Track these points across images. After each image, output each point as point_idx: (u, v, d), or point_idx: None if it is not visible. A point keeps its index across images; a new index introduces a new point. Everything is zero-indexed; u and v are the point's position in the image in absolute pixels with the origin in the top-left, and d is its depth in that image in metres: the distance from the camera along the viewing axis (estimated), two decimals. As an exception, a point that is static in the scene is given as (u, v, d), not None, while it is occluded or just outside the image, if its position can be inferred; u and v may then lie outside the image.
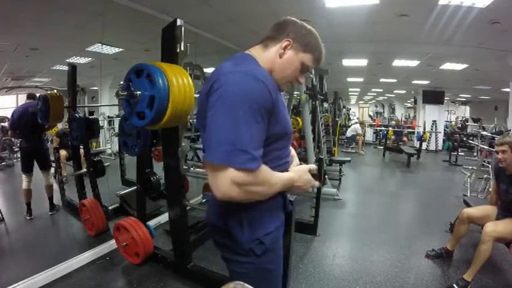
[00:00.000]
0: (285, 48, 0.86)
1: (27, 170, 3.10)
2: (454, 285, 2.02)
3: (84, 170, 3.05)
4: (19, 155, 3.37)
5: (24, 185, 3.08)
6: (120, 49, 4.27)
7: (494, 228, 2.01)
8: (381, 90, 12.43)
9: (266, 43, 0.89)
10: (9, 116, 5.10)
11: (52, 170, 3.44)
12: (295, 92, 4.79)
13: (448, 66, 5.98)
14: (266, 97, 0.74)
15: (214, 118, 0.72)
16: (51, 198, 3.28)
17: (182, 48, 1.81)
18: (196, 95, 1.95)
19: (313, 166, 0.95)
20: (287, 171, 0.91)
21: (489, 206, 2.40)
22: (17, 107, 3.25)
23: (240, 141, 0.69)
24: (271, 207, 0.88)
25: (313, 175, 0.93)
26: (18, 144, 3.40)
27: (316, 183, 0.94)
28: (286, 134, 0.88)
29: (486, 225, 2.06)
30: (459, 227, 2.39)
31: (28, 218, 3.09)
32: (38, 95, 3.13)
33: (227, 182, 0.70)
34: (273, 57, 0.87)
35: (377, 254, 2.55)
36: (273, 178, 0.80)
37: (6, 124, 5.24)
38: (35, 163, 3.18)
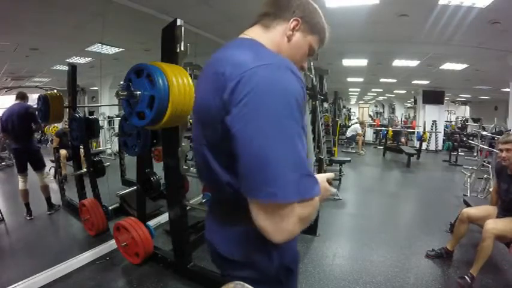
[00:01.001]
0: (293, 29, 0.70)
1: (21, 170, 3.11)
2: (466, 276, 2.03)
3: (84, 170, 3.05)
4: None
5: (20, 185, 3.08)
6: (120, 49, 4.27)
7: (495, 225, 2.03)
8: (381, 90, 12.42)
9: (265, 22, 0.71)
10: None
11: (47, 170, 3.43)
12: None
13: (448, 66, 5.98)
14: (302, 95, 0.57)
15: (260, 138, 0.51)
16: (48, 199, 3.28)
17: (182, 48, 1.81)
18: (196, 95, 1.96)
19: (331, 175, 0.82)
20: None
21: (489, 206, 2.41)
22: (6, 109, 3.22)
23: (302, 163, 0.53)
24: None
25: (329, 183, 0.86)
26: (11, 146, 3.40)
27: (334, 191, 0.84)
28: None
29: (487, 222, 2.07)
30: (459, 226, 2.39)
31: (28, 218, 3.09)
32: (38, 95, 3.12)
33: (295, 219, 0.54)
34: (279, 40, 0.70)
35: (377, 254, 2.55)
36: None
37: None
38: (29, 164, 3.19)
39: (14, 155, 3.22)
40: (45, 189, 3.26)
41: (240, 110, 0.53)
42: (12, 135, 3.15)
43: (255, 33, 0.71)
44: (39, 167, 3.25)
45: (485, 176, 4.35)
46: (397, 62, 5.99)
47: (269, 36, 0.70)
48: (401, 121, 13.34)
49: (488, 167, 4.72)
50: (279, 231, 0.54)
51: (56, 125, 4.29)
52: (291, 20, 0.69)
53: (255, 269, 0.70)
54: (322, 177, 0.77)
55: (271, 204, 0.52)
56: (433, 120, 9.62)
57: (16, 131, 3.09)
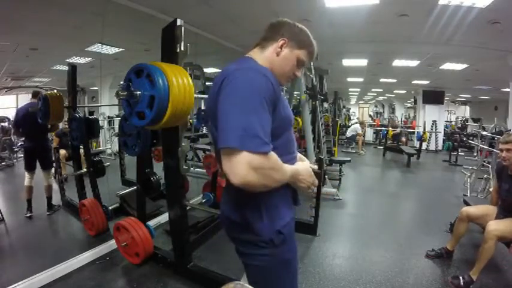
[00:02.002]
0: (281, 46, 0.93)
1: (30, 168, 3.15)
2: (461, 277, 2.03)
3: (84, 170, 3.05)
4: (20, 155, 3.39)
5: (27, 181, 3.12)
6: (120, 49, 4.27)
7: (497, 227, 2.02)
8: (381, 90, 12.42)
9: (263, 45, 0.96)
10: (9, 116, 5.12)
11: (53, 169, 3.44)
12: (295, 92, 4.78)
13: (448, 66, 5.99)
14: (269, 88, 0.80)
15: (226, 109, 0.77)
16: (49, 198, 3.29)
17: (182, 48, 1.81)
18: (196, 95, 1.96)
19: (314, 166, 1.00)
20: None
21: (489, 206, 2.41)
22: (22, 106, 3.26)
23: (251, 128, 0.73)
24: (284, 197, 0.93)
25: (315, 173, 0.98)
26: (21, 144, 3.43)
27: (316, 182, 0.99)
28: (291, 122, 0.96)
29: (489, 223, 2.06)
30: (459, 225, 2.40)
31: (27, 214, 3.10)
32: (37, 91, 3.13)
33: (244, 165, 0.72)
34: (270, 56, 0.94)
35: (377, 254, 2.55)
36: (283, 165, 0.84)
37: (6, 124, 5.24)
38: (38, 162, 3.20)
39: (25, 152, 3.23)
40: (49, 188, 3.28)
41: (222, 95, 0.79)
42: (27, 132, 3.18)
43: (254, 52, 0.97)
44: (47, 165, 3.27)
45: (485, 176, 4.35)
46: (397, 62, 5.99)
47: (263, 54, 0.95)
48: (401, 121, 13.33)
49: (488, 167, 4.72)
50: (232, 173, 0.74)
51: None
52: (280, 40, 0.93)
53: (252, 231, 0.88)
54: (307, 165, 0.98)
55: (226, 151, 0.74)
56: (433, 120, 9.62)
57: (32, 129, 3.11)
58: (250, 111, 0.75)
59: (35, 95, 3.24)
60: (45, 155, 3.25)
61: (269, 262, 0.89)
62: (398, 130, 9.66)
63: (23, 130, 3.20)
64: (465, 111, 15.73)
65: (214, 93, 0.83)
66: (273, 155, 0.79)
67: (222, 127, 0.76)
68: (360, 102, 20.42)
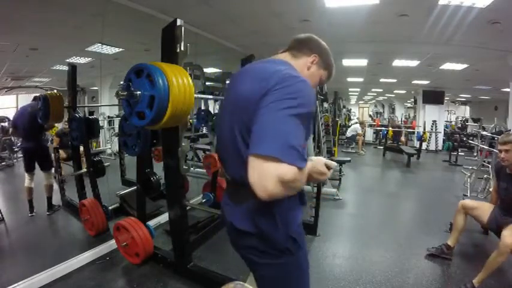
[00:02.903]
0: (312, 62, 0.96)
1: (29, 169, 3.15)
2: (462, 286, 2.01)
3: (84, 170, 3.05)
4: (20, 155, 3.41)
5: (27, 182, 3.13)
6: (120, 49, 4.28)
7: None
8: (381, 90, 12.42)
9: (294, 53, 0.97)
10: (9, 116, 5.12)
11: (52, 170, 3.44)
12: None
13: (448, 66, 5.98)
14: (315, 102, 0.82)
15: (274, 115, 0.72)
16: (49, 198, 3.28)
17: (182, 48, 1.81)
18: (196, 95, 1.96)
19: (332, 162, 0.94)
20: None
21: (486, 202, 2.46)
22: (23, 105, 3.29)
23: (296, 140, 0.69)
24: (294, 198, 0.90)
25: (328, 168, 0.93)
26: (19, 144, 3.44)
27: (329, 175, 0.94)
28: (310, 131, 1.01)
29: (504, 235, 1.95)
30: (456, 218, 2.44)
31: (30, 214, 3.12)
32: (38, 95, 3.14)
33: (276, 179, 0.66)
34: (301, 67, 0.95)
35: (377, 254, 2.55)
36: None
37: (6, 124, 5.25)
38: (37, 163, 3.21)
39: (23, 153, 3.25)
40: (49, 188, 3.27)
41: (273, 97, 0.74)
42: (22, 133, 3.19)
43: (286, 57, 0.96)
44: (46, 167, 3.27)
45: (485, 176, 4.35)
46: (397, 62, 5.99)
47: (296, 63, 0.95)
48: (401, 121, 13.32)
49: (488, 167, 4.72)
50: (262, 185, 0.67)
51: (56, 125, 4.30)
52: (311, 55, 0.96)
53: (265, 240, 0.84)
54: (320, 160, 0.93)
55: (260, 158, 0.67)
56: (433, 120, 9.62)
57: (27, 130, 3.12)
58: (298, 122, 0.71)
59: (35, 98, 3.27)
60: (43, 156, 3.24)
61: (286, 272, 0.87)
62: (402, 128, 9.62)
63: (18, 130, 3.22)
64: (465, 111, 15.74)
65: (257, 91, 0.77)
66: (305, 168, 0.75)
67: (263, 132, 0.70)
68: (360, 102, 20.42)
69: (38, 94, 3.33)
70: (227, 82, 1.07)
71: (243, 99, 0.81)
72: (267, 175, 0.66)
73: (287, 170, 0.66)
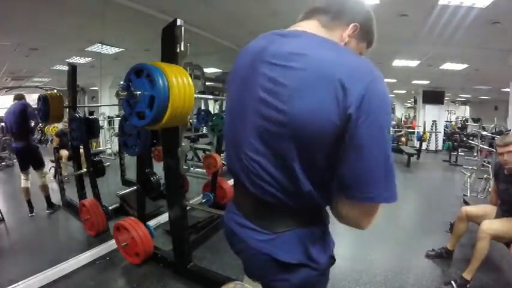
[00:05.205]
0: (352, 33, 0.68)
1: (23, 168, 3.16)
2: (452, 281, 2.02)
3: (84, 170, 3.05)
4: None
5: (23, 183, 3.13)
6: (120, 49, 4.27)
7: (490, 226, 2.01)
8: (381, 90, 12.39)
9: (323, 21, 0.68)
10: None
11: (46, 170, 3.45)
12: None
13: (448, 66, 5.98)
14: None
15: (377, 151, 0.58)
16: (47, 197, 3.29)
17: (182, 48, 1.81)
18: (196, 95, 1.96)
19: None
20: None
21: (488, 205, 2.40)
22: (7, 109, 3.31)
23: (394, 171, 0.60)
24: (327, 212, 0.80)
25: None
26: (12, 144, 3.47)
27: None
28: None
29: (482, 223, 2.06)
30: (458, 225, 2.40)
31: (30, 215, 3.12)
32: (38, 95, 3.14)
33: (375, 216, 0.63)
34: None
35: (377, 254, 2.55)
36: None
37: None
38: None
39: (15, 153, 3.29)
40: (44, 188, 3.27)
41: (368, 125, 0.54)
42: (12, 133, 3.21)
43: (317, 30, 0.67)
44: (38, 165, 3.27)
45: (485, 176, 4.35)
46: (397, 62, 5.99)
47: (330, 36, 0.67)
48: (401, 121, 13.31)
49: (488, 167, 4.71)
50: (369, 223, 0.67)
51: (55, 125, 4.30)
52: (351, 25, 0.67)
53: (311, 267, 0.69)
54: None
55: (373, 206, 0.65)
56: (433, 120, 9.62)
57: (15, 129, 3.14)
58: (390, 150, 0.58)
59: (17, 97, 3.30)
60: (33, 155, 3.25)
61: (317, 281, 0.73)
62: (402, 132, 9.57)
63: (7, 130, 3.26)
64: (465, 111, 15.76)
65: (332, 112, 0.54)
66: None
67: (370, 174, 0.59)
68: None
69: (16, 93, 3.38)
70: (234, 72, 0.75)
71: (302, 122, 0.56)
72: (374, 217, 0.66)
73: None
